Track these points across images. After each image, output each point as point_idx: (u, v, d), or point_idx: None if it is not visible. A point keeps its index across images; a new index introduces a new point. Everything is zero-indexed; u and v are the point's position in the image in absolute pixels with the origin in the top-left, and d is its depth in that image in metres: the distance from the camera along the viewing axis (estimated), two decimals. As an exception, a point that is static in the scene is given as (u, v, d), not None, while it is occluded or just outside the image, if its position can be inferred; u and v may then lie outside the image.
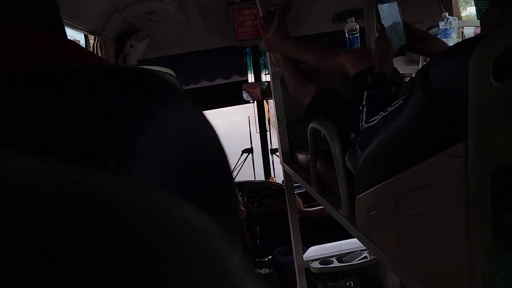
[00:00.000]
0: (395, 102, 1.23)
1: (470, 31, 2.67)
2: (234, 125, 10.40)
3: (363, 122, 1.35)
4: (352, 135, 1.55)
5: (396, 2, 1.52)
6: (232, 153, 4.48)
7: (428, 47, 1.56)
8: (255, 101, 3.91)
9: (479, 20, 2.32)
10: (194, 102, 0.25)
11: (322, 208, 3.06)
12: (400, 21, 1.53)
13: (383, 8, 1.52)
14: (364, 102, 1.40)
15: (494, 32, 0.81)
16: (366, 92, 1.42)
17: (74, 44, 0.48)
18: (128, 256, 0.12)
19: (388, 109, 1.26)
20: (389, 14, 1.52)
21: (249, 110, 4.49)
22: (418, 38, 1.58)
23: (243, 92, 3.67)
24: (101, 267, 0.11)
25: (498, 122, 0.79)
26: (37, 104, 0.20)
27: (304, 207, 3.35)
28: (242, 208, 3.05)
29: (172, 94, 0.23)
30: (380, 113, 1.29)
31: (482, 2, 2.43)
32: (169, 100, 0.23)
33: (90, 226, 0.12)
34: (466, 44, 0.91)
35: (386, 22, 1.52)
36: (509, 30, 0.81)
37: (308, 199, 3.26)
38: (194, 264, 0.13)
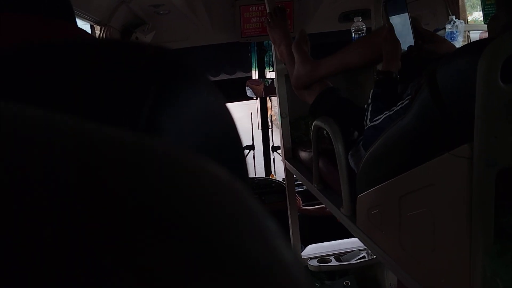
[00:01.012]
0: (400, 102, 1.24)
1: (476, 36, 2.67)
2: (236, 121, 10.39)
3: (368, 121, 1.36)
4: (356, 133, 1.55)
5: (405, 2, 1.52)
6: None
7: (436, 49, 1.56)
8: (258, 98, 3.91)
9: (485, 25, 2.33)
10: (214, 86, 0.25)
11: (321, 207, 3.06)
12: (409, 21, 1.53)
13: (392, 8, 1.52)
14: (369, 101, 1.40)
15: (504, 35, 0.81)
16: (372, 90, 1.43)
17: (84, 32, 0.48)
18: (173, 215, 0.12)
19: (393, 108, 1.26)
20: (398, 13, 1.52)
21: (251, 106, 4.48)
22: (426, 39, 1.58)
23: (246, 88, 3.67)
24: (150, 227, 0.11)
25: (504, 124, 0.79)
26: (68, 75, 0.20)
27: (303, 205, 3.36)
28: None
29: (196, 76, 0.23)
30: (385, 112, 1.29)
31: (489, 6, 2.43)
32: (193, 81, 0.23)
33: (138, 185, 0.12)
34: (474, 46, 0.91)
35: (395, 22, 1.52)
36: (519, 33, 0.81)
37: (308, 197, 3.27)
38: (237, 225, 0.13)
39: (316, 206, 3.14)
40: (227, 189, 0.14)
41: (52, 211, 0.11)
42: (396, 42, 1.48)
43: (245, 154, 4.18)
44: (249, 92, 3.67)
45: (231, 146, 0.27)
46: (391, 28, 1.50)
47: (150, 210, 0.11)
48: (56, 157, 0.11)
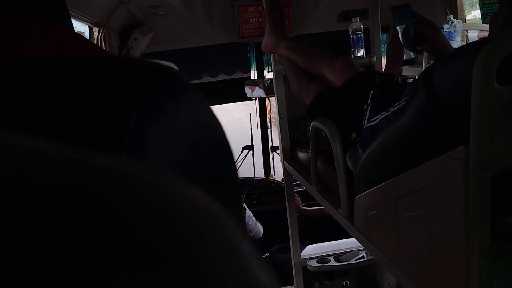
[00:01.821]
0: (397, 103, 1.24)
1: (474, 35, 2.67)
2: (235, 122, 10.40)
3: (366, 121, 1.36)
4: (353, 134, 1.55)
5: (410, 9, 1.53)
6: (233, 150, 4.48)
7: (434, 38, 1.55)
8: (257, 98, 3.91)
9: (483, 24, 2.33)
10: (204, 96, 0.25)
11: (321, 208, 3.06)
12: (412, 28, 1.54)
13: (398, 13, 1.53)
14: (369, 101, 1.40)
15: (499, 36, 0.81)
16: (372, 91, 1.43)
17: (80, 37, 0.48)
18: (144, 241, 0.12)
19: (390, 109, 1.26)
20: (403, 20, 1.54)
21: (250, 107, 4.49)
22: (427, 26, 1.57)
23: (245, 88, 3.67)
24: (121, 250, 0.11)
25: (500, 126, 0.79)
26: (51, 92, 0.20)
27: (303, 205, 3.36)
28: (244, 206, 3.05)
29: (183, 88, 0.24)
30: (382, 113, 1.29)
31: (487, 6, 2.42)
32: (180, 93, 0.23)
33: (109, 210, 0.12)
34: (471, 47, 0.91)
35: (400, 27, 1.53)
36: (514, 34, 0.81)
37: (307, 198, 3.27)
38: (210, 248, 0.13)
39: (315, 207, 3.14)
40: (202, 213, 0.14)
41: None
42: (400, 47, 1.49)
43: (245, 155, 4.20)
44: (248, 93, 3.67)
45: (219, 155, 0.27)
46: (395, 33, 1.51)
47: (122, 236, 0.12)
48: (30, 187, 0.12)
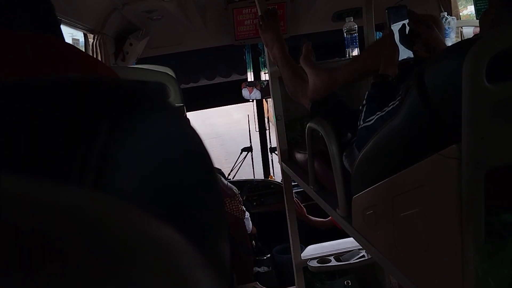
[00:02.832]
0: (392, 103, 1.24)
1: (469, 31, 2.68)
2: (234, 123, 10.41)
3: (361, 121, 1.36)
4: (349, 134, 1.56)
5: (406, 9, 1.54)
6: (232, 152, 4.49)
7: (427, 35, 1.55)
8: (255, 100, 3.92)
9: (478, 20, 2.33)
10: (176, 108, 0.25)
11: (325, 221, 3.07)
12: (407, 28, 1.55)
13: (393, 14, 1.53)
14: (364, 102, 1.41)
15: (487, 35, 0.82)
16: (367, 92, 1.44)
17: (68, 46, 0.48)
18: (96, 272, 0.12)
19: (385, 109, 1.27)
20: (398, 20, 1.54)
21: (249, 108, 4.49)
22: (421, 23, 1.57)
23: (242, 90, 3.68)
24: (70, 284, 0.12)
25: (491, 124, 0.80)
26: (13, 118, 0.20)
27: (303, 205, 3.36)
28: (243, 208, 3.05)
29: (151, 104, 0.24)
30: (377, 113, 1.30)
31: (481, 2, 2.43)
32: (148, 110, 0.23)
33: (62, 243, 0.12)
34: (460, 46, 0.91)
35: (395, 28, 1.53)
36: (503, 32, 0.81)
37: (306, 198, 3.27)
38: (160, 278, 0.13)
39: (320, 219, 3.11)
40: (153, 243, 0.14)
41: None
42: (395, 47, 1.49)
43: (244, 156, 4.20)
44: (245, 94, 3.68)
45: (195, 167, 0.27)
46: (391, 33, 1.52)
47: (67, 268, 0.12)
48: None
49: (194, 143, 0.26)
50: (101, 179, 0.20)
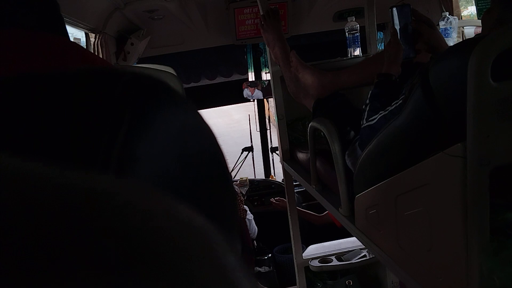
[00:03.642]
0: (395, 102, 1.24)
1: (470, 31, 2.67)
2: (234, 124, 10.41)
3: (364, 120, 1.36)
4: (352, 133, 1.56)
5: (409, 8, 1.54)
6: (232, 152, 4.49)
7: (429, 35, 1.56)
8: (256, 100, 3.92)
9: (479, 20, 2.33)
10: (192, 103, 0.25)
11: (321, 216, 3.07)
12: (410, 27, 1.55)
13: (397, 13, 1.53)
14: (367, 101, 1.41)
15: (493, 33, 0.81)
16: (370, 91, 1.44)
17: (74, 45, 0.48)
18: (128, 256, 0.12)
19: (388, 108, 1.27)
20: (402, 19, 1.54)
21: (249, 108, 4.49)
22: (424, 23, 1.57)
23: (244, 90, 3.68)
24: (103, 268, 0.12)
25: (496, 122, 0.80)
26: (41, 109, 0.20)
27: (303, 206, 3.36)
28: (244, 207, 3.05)
29: (170, 97, 0.24)
30: (380, 112, 1.30)
31: (482, 1, 2.43)
32: (168, 103, 0.23)
33: (93, 229, 0.12)
34: (465, 44, 0.91)
35: (398, 27, 1.53)
36: (508, 31, 0.81)
37: (307, 198, 3.27)
38: (192, 262, 0.13)
39: (316, 214, 3.12)
40: (185, 228, 0.14)
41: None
42: (398, 46, 1.49)
43: (245, 156, 4.20)
44: (246, 94, 3.68)
45: (211, 163, 0.27)
46: (394, 32, 1.52)
47: (105, 255, 0.12)
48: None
49: (210, 139, 0.26)
50: (122, 169, 0.20)
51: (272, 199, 3.31)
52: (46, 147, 0.20)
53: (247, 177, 3.41)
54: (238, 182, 3.35)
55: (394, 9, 1.54)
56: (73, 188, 0.13)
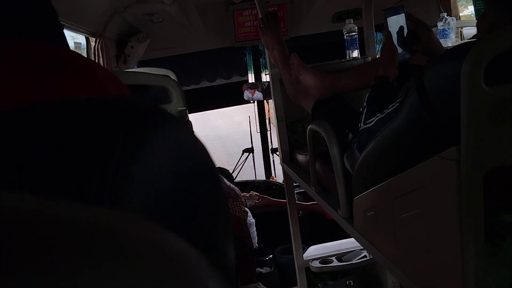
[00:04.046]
0: (391, 104, 1.25)
1: (472, 32, 2.67)
2: (235, 125, 10.41)
3: (362, 123, 1.37)
4: (350, 135, 1.57)
5: (403, 11, 1.55)
6: (234, 153, 4.50)
7: (427, 38, 1.57)
8: (256, 101, 3.93)
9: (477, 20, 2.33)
10: (182, 120, 0.26)
11: (307, 204, 3.09)
12: (406, 29, 1.55)
13: (391, 16, 1.54)
14: (364, 104, 1.42)
15: (485, 38, 0.83)
16: (368, 94, 1.45)
17: (73, 54, 0.48)
18: (117, 277, 0.13)
19: (385, 111, 1.28)
20: (396, 22, 1.55)
21: (250, 110, 4.50)
22: (419, 26, 1.58)
23: (244, 92, 3.69)
24: None
25: (489, 126, 0.81)
26: (33, 139, 0.21)
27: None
28: (245, 209, 3.06)
29: (163, 120, 0.25)
30: (378, 115, 1.31)
31: (480, 2, 2.44)
32: (161, 126, 0.24)
33: (86, 258, 0.13)
34: (459, 48, 0.92)
35: (393, 30, 1.54)
36: (501, 35, 0.82)
37: (307, 198, 3.28)
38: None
39: (303, 203, 3.14)
40: (168, 256, 0.16)
41: None
42: (394, 49, 1.50)
43: (245, 157, 4.21)
44: (246, 96, 3.69)
45: (203, 181, 0.28)
46: (389, 35, 1.53)
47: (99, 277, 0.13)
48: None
49: (200, 153, 0.27)
50: (116, 193, 0.21)
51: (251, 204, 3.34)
52: (39, 180, 0.21)
53: (258, 194, 3.40)
54: (248, 195, 3.35)
55: (388, 11, 1.55)
56: (72, 222, 0.14)
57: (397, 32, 1.55)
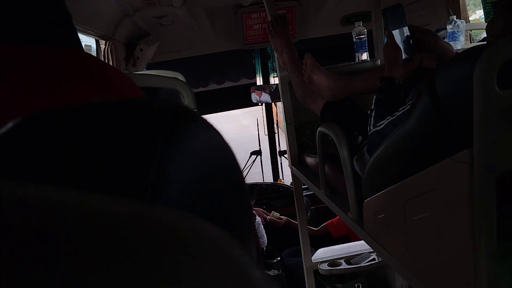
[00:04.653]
0: (402, 107, 1.25)
1: (483, 36, 2.66)
2: (242, 129, 10.42)
3: (371, 126, 1.37)
4: (360, 138, 1.57)
5: (402, 9, 1.54)
6: (241, 157, 4.51)
7: (434, 45, 1.56)
8: (264, 104, 3.94)
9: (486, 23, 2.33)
10: (212, 125, 0.27)
11: (317, 229, 3.08)
12: (406, 27, 1.55)
13: (390, 15, 1.53)
14: (372, 106, 1.42)
15: (499, 41, 0.83)
16: (375, 96, 1.45)
17: (88, 56, 0.49)
18: (164, 274, 0.14)
19: (395, 114, 1.28)
20: (396, 21, 1.54)
21: (257, 114, 4.51)
22: (426, 34, 1.58)
23: (251, 94, 3.70)
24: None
25: (502, 129, 0.81)
26: (77, 141, 0.22)
27: (312, 209, 3.36)
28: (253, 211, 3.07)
29: (193, 121, 0.26)
30: (388, 118, 1.31)
31: (489, 5, 2.43)
32: (192, 126, 0.25)
33: (135, 252, 0.14)
34: (471, 52, 0.93)
35: (393, 29, 1.54)
36: (513, 39, 0.83)
37: (316, 201, 3.28)
38: (225, 278, 0.15)
39: (311, 228, 3.12)
40: (214, 246, 0.16)
41: None
42: (397, 49, 1.50)
43: (253, 160, 4.21)
44: (255, 98, 3.70)
45: (230, 178, 0.29)
46: (390, 35, 1.52)
47: (141, 271, 0.14)
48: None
49: (228, 154, 0.28)
50: (156, 193, 0.22)
51: (269, 217, 3.33)
52: (87, 179, 0.22)
53: (279, 215, 3.39)
54: (269, 216, 3.35)
55: (387, 11, 1.54)
56: (120, 216, 0.15)
57: (399, 32, 1.53)
